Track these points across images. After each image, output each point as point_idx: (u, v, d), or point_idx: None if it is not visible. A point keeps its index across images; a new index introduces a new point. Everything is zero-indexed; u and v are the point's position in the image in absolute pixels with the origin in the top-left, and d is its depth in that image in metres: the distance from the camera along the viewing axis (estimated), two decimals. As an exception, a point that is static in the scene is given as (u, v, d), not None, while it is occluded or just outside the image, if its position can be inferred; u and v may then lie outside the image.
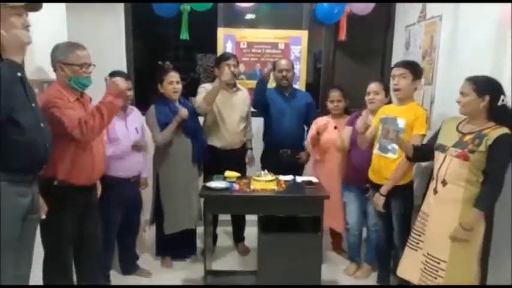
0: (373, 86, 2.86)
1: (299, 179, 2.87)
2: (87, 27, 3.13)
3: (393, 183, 2.57)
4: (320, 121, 3.22)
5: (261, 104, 3.29)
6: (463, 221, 2.05)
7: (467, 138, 2.09)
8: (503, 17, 2.14)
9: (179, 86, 3.02)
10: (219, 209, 2.83)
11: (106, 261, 2.78)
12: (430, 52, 3.07)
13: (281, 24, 3.87)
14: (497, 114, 2.06)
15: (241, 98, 3.31)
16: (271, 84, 3.48)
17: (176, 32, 3.49)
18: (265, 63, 3.80)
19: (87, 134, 2.06)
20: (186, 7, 3.37)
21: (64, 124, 2.02)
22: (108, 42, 3.45)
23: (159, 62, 4.43)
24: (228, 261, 3.34)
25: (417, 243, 2.30)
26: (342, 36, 3.57)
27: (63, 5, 2.58)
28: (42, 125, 1.80)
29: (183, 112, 2.92)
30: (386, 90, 2.85)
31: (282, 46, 3.84)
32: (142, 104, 3.08)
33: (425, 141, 2.55)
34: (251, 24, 3.94)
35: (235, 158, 3.27)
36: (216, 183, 2.71)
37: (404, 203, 2.60)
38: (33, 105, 1.77)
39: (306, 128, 3.41)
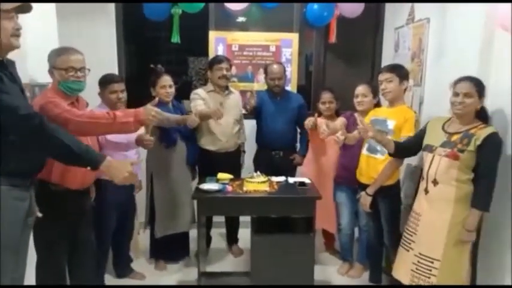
0: (360, 89, 2.90)
1: (291, 180, 2.91)
2: (78, 31, 3.13)
3: (380, 183, 2.61)
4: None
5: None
6: (466, 223, 2.09)
7: (455, 137, 2.14)
8: (498, 17, 2.16)
9: (172, 90, 3.04)
10: (212, 210, 2.84)
11: (100, 264, 2.76)
12: (419, 54, 3.12)
13: (272, 27, 3.90)
14: (484, 113, 2.15)
15: (234, 101, 3.33)
16: (263, 86, 3.51)
17: (168, 35, 3.51)
18: (257, 65, 3.83)
19: (72, 120, 1.95)
20: (177, 10, 3.39)
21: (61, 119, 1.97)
22: (99, 46, 3.43)
23: (151, 66, 4.45)
24: (222, 263, 3.35)
25: (409, 243, 2.32)
26: (332, 38, 3.62)
27: (53, 8, 2.58)
28: None
29: (192, 123, 2.85)
30: (375, 92, 2.89)
31: (273, 49, 3.87)
32: (134, 107, 3.07)
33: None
34: (242, 27, 3.98)
35: (230, 161, 3.29)
36: (208, 185, 2.72)
37: (392, 203, 2.63)
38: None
39: (298, 130, 3.44)
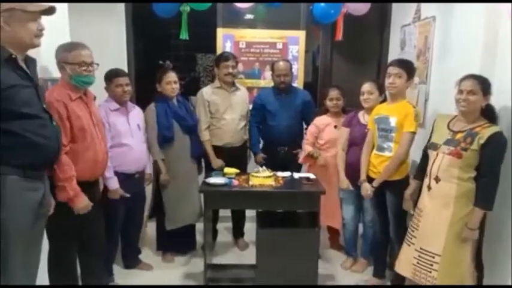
0: (366, 86, 2.93)
1: (297, 175, 2.95)
2: (89, 28, 3.18)
3: (384, 177, 2.64)
4: (319, 121, 3.30)
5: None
6: (468, 222, 2.12)
7: (459, 136, 2.16)
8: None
9: (177, 86, 3.10)
10: (218, 204, 2.90)
11: (109, 255, 2.84)
12: (425, 52, 3.14)
13: (279, 25, 3.92)
14: (490, 111, 2.16)
15: (241, 97, 3.39)
16: (270, 83, 3.56)
17: (176, 32, 3.56)
18: (264, 62, 3.87)
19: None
20: (186, 8, 3.44)
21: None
22: (109, 43, 3.50)
23: (160, 62, 4.52)
24: (228, 256, 3.41)
25: (411, 238, 2.37)
26: (339, 36, 3.62)
27: (66, 7, 2.65)
28: (52, 120, 1.86)
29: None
30: (381, 89, 2.91)
31: (280, 46, 3.90)
32: (143, 103, 3.15)
33: (417, 139, 2.62)
34: (250, 25, 4.01)
35: (237, 156, 3.35)
36: (215, 179, 2.78)
37: (399, 198, 2.65)
38: (40, 99, 1.81)
39: (304, 126, 3.49)
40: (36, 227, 1.85)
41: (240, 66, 3.48)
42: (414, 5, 3.34)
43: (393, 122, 2.60)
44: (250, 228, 3.43)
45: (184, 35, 3.54)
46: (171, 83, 3.05)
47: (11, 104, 1.66)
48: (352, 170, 2.97)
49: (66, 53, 2.21)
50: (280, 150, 3.38)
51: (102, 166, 2.40)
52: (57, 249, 2.30)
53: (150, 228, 3.51)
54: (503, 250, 2.22)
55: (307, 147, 3.25)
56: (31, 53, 1.88)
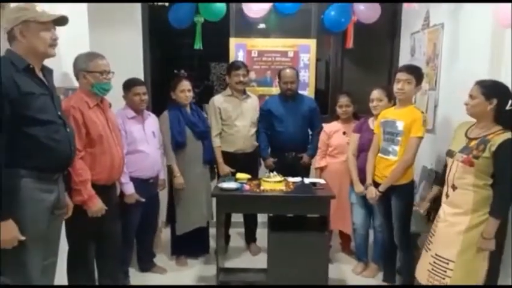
0: (375, 93, 2.98)
1: (307, 180, 3.00)
2: (108, 39, 3.31)
3: (391, 181, 2.66)
4: (328, 127, 3.36)
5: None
6: (484, 231, 2.07)
7: (473, 143, 2.14)
8: (499, 16, 2.19)
9: (190, 94, 3.21)
10: (230, 208, 2.97)
11: (125, 258, 2.93)
12: (434, 58, 3.17)
13: (290, 33, 4.01)
14: (505, 118, 2.11)
15: (251, 105, 3.48)
16: (277, 90, 3.63)
17: (191, 42, 3.67)
18: (275, 71, 3.94)
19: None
20: (200, 18, 3.56)
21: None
22: (127, 53, 3.63)
23: (175, 71, 4.64)
24: (240, 261, 3.47)
25: (428, 244, 2.35)
26: (350, 44, 3.68)
27: (86, 19, 2.79)
28: (66, 126, 1.94)
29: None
30: (390, 95, 2.94)
31: (291, 54, 3.98)
32: (159, 111, 3.26)
33: (424, 143, 2.64)
34: (262, 34, 4.10)
35: (248, 162, 3.43)
36: (227, 184, 2.86)
37: (404, 202, 2.67)
38: (55, 107, 1.90)
39: (310, 132, 3.55)
40: (52, 228, 1.94)
41: (252, 75, 3.56)
42: (423, 13, 3.38)
43: (400, 126, 2.62)
44: (262, 233, 3.48)
45: (198, 45, 3.65)
46: (184, 91, 3.16)
47: (28, 110, 1.75)
48: (362, 173, 3.00)
49: (87, 63, 2.33)
50: (288, 156, 3.44)
51: (119, 171, 2.49)
52: (75, 250, 2.38)
53: (164, 234, 3.60)
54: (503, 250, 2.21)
55: (319, 162, 3.37)
56: (53, 63, 1.99)
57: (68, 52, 2.37)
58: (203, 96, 4.35)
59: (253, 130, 3.47)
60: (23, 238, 1.74)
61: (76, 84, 2.42)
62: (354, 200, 3.17)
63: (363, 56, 4.19)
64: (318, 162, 3.40)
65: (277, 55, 3.98)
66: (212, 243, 3.51)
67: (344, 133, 3.28)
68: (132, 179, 2.80)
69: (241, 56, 3.94)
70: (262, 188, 2.82)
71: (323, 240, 2.74)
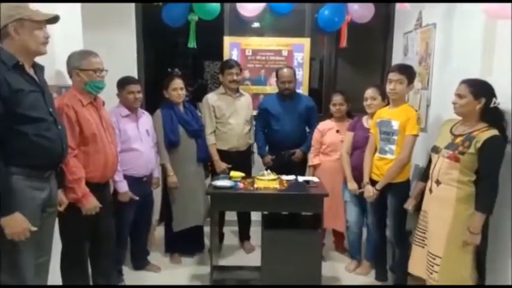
0: (369, 92, 3.00)
1: (301, 178, 3.02)
2: (102, 38, 3.30)
3: (387, 179, 2.69)
4: (321, 125, 3.38)
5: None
6: (470, 225, 2.11)
7: (458, 140, 2.19)
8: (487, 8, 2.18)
9: (183, 92, 3.21)
10: (224, 205, 2.99)
11: (119, 256, 2.93)
12: (426, 58, 3.20)
13: (284, 32, 4.02)
14: (490, 115, 2.16)
15: (245, 103, 3.49)
16: (276, 89, 3.65)
17: (185, 41, 3.68)
18: (269, 69, 3.97)
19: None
20: (194, 17, 3.56)
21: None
22: (120, 53, 3.61)
23: (169, 69, 4.64)
24: (234, 258, 3.48)
25: (423, 240, 2.38)
26: (343, 43, 3.71)
27: (79, 18, 2.78)
28: (57, 123, 1.94)
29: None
30: (384, 94, 2.96)
31: (285, 53, 4.00)
32: (153, 110, 3.26)
33: (416, 142, 2.67)
34: (256, 33, 4.11)
35: (242, 160, 3.44)
36: (221, 182, 2.87)
37: (400, 200, 2.68)
38: (47, 104, 1.90)
39: (307, 130, 3.57)
40: (45, 225, 1.94)
41: (247, 73, 3.57)
42: (416, 13, 3.40)
43: (395, 125, 2.65)
44: (256, 231, 3.50)
45: (192, 44, 3.66)
46: (177, 89, 3.16)
47: (18, 107, 1.75)
48: (355, 173, 3.03)
49: (81, 61, 2.32)
50: (285, 154, 3.46)
51: (112, 169, 2.49)
52: (69, 249, 2.38)
53: (158, 232, 3.60)
54: (503, 250, 2.24)
55: (312, 160, 3.39)
56: (47, 61, 1.99)
57: (62, 50, 2.37)
58: (197, 94, 4.35)
59: (247, 128, 3.48)
60: (34, 229, 1.77)
61: (69, 82, 2.41)
62: (348, 198, 3.19)
63: (356, 55, 4.22)
64: (311, 160, 3.42)
65: (271, 54, 3.99)
66: (206, 241, 3.52)
67: (337, 131, 3.30)
68: (126, 177, 2.80)
69: (235, 55, 3.95)
70: (256, 186, 2.84)
71: (316, 238, 2.76)
